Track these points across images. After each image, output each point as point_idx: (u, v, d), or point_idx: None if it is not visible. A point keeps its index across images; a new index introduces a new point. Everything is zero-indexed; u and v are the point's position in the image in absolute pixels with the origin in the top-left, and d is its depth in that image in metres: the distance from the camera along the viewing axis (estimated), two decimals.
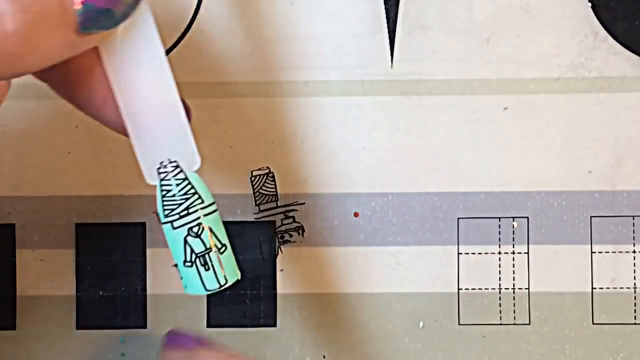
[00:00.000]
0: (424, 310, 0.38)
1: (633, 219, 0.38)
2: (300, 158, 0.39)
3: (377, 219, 0.38)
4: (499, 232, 0.38)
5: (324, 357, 0.39)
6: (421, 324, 0.38)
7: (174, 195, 0.27)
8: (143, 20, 0.26)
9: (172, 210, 0.27)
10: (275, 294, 0.38)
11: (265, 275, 0.39)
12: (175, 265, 0.27)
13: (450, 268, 0.38)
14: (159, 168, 0.27)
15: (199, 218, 0.27)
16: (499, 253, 0.38)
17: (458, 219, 0.38)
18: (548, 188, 0.38)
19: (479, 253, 0.38)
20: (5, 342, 0.38)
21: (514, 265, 0.38)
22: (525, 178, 0.38)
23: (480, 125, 0.39)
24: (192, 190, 0.27)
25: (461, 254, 0.38)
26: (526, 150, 0.39)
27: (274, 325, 0.39)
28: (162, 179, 0.27)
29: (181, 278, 0.27)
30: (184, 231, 0.27)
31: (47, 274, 0.38)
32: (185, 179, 0.27)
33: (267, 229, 0.39)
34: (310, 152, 0.38)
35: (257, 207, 0.39)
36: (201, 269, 0.27)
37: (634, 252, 0.38)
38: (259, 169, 0.39)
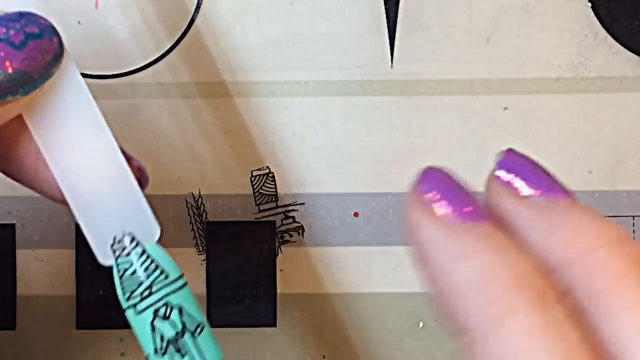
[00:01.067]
0: (424, 310, 0.38)
1: (633, 219, 0.38)
2: (300, 158, 0.39)
3: (377, 219, 0.38)
4: None
5: (323, 357, 0.39)
6: (421, 324, 0.38)
7: (134, 273, 0.23)
8: (67, 74, 0.22)
9: (133, 292, 0.23)
10: (275, 294, 0.38)
11: (265, 275, 0.39)
12: (147, 359, 0.23)
13: None
14: (112, 244, 0.23)
15: (164, 297, 0.23)
16: None
17: None
18: None
19: None
20: (5, 342, 0.38)
21: None
22: None
23: (480, 125, 0.39)
24: (153, 265, 0.23)
25: None
26: (526, 150, 0.38)
27: (274, 325, 0.38)
28: (117, 257, 0.23)
29: None
30: (149, 315, 0.23)
31: (47, 274, 0.38)
32: (144, 252, 0.23)
33: (267, 229, 0.39)
34: (310, 152, 0.38)
35: (257, 207, 0.39)
36: (176, 356, 0.22)
37: None
38: (259, 169, 0.39)
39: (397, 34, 0.38)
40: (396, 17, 0.38)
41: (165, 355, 0.22)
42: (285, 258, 0.39)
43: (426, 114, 0.38)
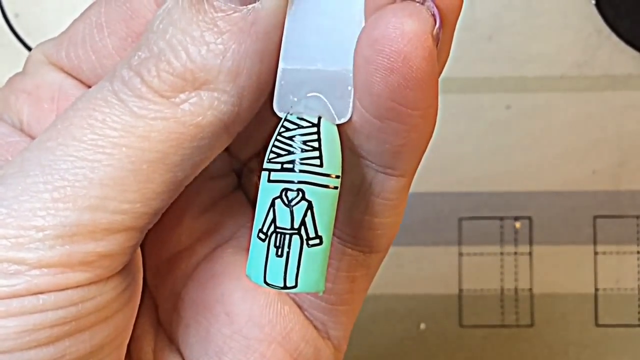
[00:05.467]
0: (425, 311, 0.38)
1: (637, 219, 0.38)
2: None
3: None
4: (501, 232, 0.38)
5: None
6: (422, 325, 0.38)
7: (291, 138, 0.19)
8: None
9: (278, 155, 0.19)
10: None
11: None
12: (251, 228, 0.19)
13: (451, 269, 0.38)
14: (296, 98, 0.19)
15: (303, 182, 0.18)
16: (501, 254, 0.38)
17: (459, 219, 0.38)
18: (551, 188, 0.38)
19: (480, 254, 0.38)
20: None
21: (516, 266, 0.38)
22: (528, 178, 0.38)
23: (482, 124, 0.38)
24: (315, 144, 0.19)
25: (463, 254, 0.38)
26: (529, 150, 0.38)
27: None
28: (289, 113, 0.19)
29: (249, 250, 0.19)
30: (276, 189, 0.18)
31: None
32: (315, 126, 0.19)
33: None
34: None
35: None
36: (272, 250, 0.18)
37: (638, 252, 0.38)
38: None
39: None
40: None
41: (264, 243, 0.18)
42: None
43: None
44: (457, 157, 0.38)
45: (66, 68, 0.21)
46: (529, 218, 0.38)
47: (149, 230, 0.22)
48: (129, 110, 0.18)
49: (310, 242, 0.18)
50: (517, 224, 0.38)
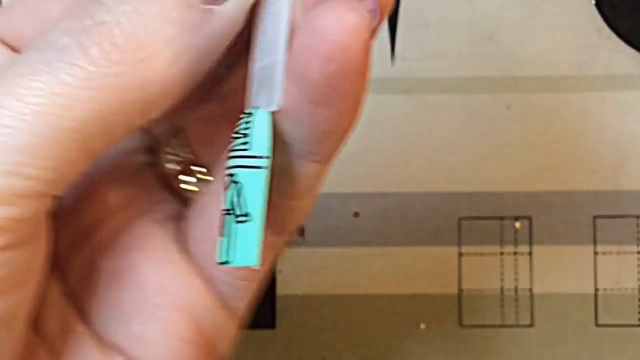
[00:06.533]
0: (424, 311, 0.38)
1: (637, 219, 0.38)
2: None
3: (378, 219, 0.38)
4: (501, 232, 0.38)
5: (323, 359, 0.38)
6: (422, 325, 0.38)
7: (238, 126, 0.21)
8: None
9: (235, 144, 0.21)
10: (274, 295, 0.38)
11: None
12: None
13: (451, 269, 0.38)
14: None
15: (234, 167, 0.20)
16: (501, 254, 0.38)
17: (459, 219, 0.38)
18: (551, 188, 0.38)
19: (480, 254, 0.38)
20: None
21: (516, 266, 0.38)
22: (528, 178, 0.38)
23: (482, 123, 0.38)
24: (246, 130, 0.20)
25: (462, 254, 0.38)
26: (529, 150, 0.38)
27: (273, 327, 0.38)
28: (247, 108, 0.21)
29: None
30: (226, 179, 0.20)
31: None
32: (250, 115, 0.20)
33: None
34: None
35: None
36: (219, 232, 0.21)
37: (639, 252, 0.38)
38: None
39: (398, 32, 0.38)
40: (397, 15, 0.38)
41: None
42: (285, 258, 0.38)
43: (428, 113, 0.38)
44: (457, 157, 0.38)
45: (2, 35, 0.22)
46: (529, 218, 0.38)
47: (64, 201, 0.22)
48: (56, 78, 0.18)
49: (238, 219, 0.20)
50: (517, 224, 0.38)
